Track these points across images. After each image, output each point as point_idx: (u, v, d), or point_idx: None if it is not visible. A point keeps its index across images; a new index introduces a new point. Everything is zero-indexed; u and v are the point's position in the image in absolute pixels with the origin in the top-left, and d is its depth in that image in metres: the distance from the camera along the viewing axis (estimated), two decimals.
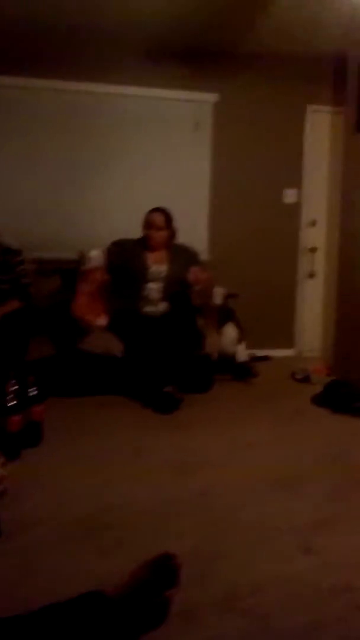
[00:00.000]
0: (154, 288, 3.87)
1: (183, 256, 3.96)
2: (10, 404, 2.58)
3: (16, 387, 2.62)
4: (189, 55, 4.65)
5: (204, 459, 2.69)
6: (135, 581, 1.47)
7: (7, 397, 2.59)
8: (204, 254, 4.58)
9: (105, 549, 1.89)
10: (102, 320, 3.90)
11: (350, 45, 3.97)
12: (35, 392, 2.73)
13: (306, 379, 4.17)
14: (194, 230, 4.72)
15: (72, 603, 1.35)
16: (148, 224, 3.90)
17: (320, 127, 5.01)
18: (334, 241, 4.56)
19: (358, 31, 3.88)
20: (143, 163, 4.71)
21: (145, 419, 3.26)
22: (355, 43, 3.90)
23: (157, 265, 3.89)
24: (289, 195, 5.00)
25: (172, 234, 3.99)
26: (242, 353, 4.37)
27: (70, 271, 4.03)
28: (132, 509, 2.16)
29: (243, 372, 4.23)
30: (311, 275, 5.11)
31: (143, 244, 3.93)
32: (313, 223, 5.08)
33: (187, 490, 2.33)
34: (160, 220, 3.90)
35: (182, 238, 4.08)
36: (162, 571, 1.56)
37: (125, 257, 3.89)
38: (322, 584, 1.72)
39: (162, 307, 3.85)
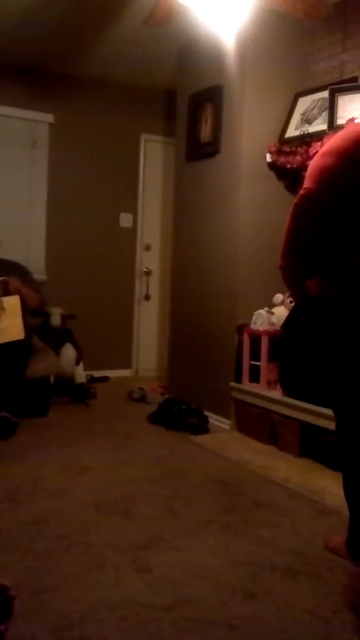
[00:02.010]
0: None
1: (13, 273, 3.82)
2: None
3: None
4: (25, 73, 4.60)
5: (38, 486, 2.63)
6: None
7: None
8: (40, 273, 4.51)
9: None
10: None
11: (180, 80, 4.22)
12: None
13: (142, 399, 4.28)
14: (29, 248, 4.63)
15: None
16: None
17: (153, 155, 5.23)
18: (167, 265, 4.76)
19: (186, 68, 4.14)
20: None
21: None
22: (184, 78, 4.16)
23: None
24: (125, 220, 5.14)
25: None
26: (80, 374, 4.36)
27: None
28: None
29: (81, 393, 4.23)
30: (147, 297, 5.27)
31: None
32: (148, 247, 5.26)
33: (18, 520, 2.27)
34: None
35: (17, 256, 3.97)
36: None
37: None
38: (155, 601, 1.77)
39: None
